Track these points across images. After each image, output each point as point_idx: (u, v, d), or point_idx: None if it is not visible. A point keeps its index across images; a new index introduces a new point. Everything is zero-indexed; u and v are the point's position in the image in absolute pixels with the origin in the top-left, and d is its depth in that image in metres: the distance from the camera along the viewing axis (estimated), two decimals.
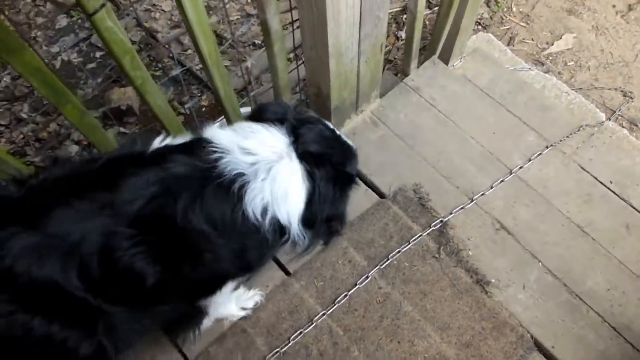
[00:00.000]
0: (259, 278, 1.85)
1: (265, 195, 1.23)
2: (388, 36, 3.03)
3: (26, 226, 1.07)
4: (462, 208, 1.98)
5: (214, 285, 1.38)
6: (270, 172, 1.24)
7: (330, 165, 1.35)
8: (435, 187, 2.03)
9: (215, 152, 1.22)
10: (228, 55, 3.06)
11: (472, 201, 1.99)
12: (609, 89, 2.82)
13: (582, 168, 2.13)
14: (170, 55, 3.02)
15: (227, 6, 3.21)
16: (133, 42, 3.07)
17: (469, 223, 1.96)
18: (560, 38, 3.00)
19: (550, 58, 2.96)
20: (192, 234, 1.18)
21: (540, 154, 2.10)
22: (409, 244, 1.91)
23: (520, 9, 3.14)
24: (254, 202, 1.22)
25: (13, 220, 1.08)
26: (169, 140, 1.30)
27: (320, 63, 1.75)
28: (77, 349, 1.15)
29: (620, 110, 2.73)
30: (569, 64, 2.93)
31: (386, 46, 2.99)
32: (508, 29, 3.08)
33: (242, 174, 1.21)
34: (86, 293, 1.10)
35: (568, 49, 2.98)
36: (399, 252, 1.90)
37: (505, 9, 3.14)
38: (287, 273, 1.90)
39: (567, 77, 2.89)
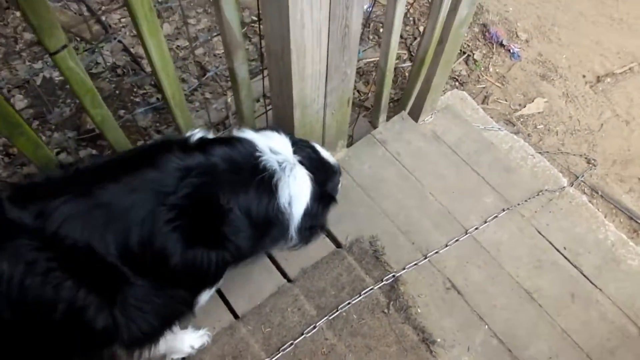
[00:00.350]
0: (206, 318, 1.84)
1: (291, 190, 1.46)
2: (367, 84, 3.11)
3: (76, 196, 1.16)
4: (415, 264, 2.00)
5: (221, 272, 1.50)
6: (292, 172, 1.47)
7: (317, 184, 1.56)
8: (392, 241, 2.06)
9: (256, 151, 1.43)
10: (210, 88, 3.11)
11: (425, 258, 2.02)
12: (575, 155, 2.91)
13: (539, 232, 2.18)
14: (152, 82, 3.06)
15: (215, 39, 3.28)
16: (117, 66, 3.11)
17: (421, 280, 1.98)
18: (532, 101, 3.11)
19: (522, 120, 3.05)
20: (230, 219, 1.34)
21: (496, 216, 2.15)
22: (360, 296, 1.92)
23: (497, 70, 3.25)
24: (284, 194, 1.44)
25: (63, 191, 1.17)
26: (202, 134, 1.45)
27: (285, 112, 1.79)
28: (94, 321, 1.20)
29: (583, 176, 2.81)
30: (538, 127, 3.03)
31: (365, 93, 3.07)
32: (484, 87, 3.18)
33: (276, 171, 1.43)
34: (117, 259, 1.19)
35: (539, 113, 3.08)
36: (349, 303, 1.91)
37: (482, 68, 3.25)
38: (236, 316, 1.90)
39: (536, 139, 2.98)
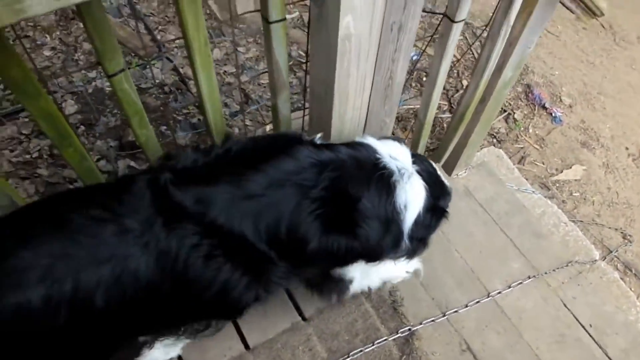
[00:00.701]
0: (218, 345, 1.84)
1: (407, 195, 1.53)
2: (405, 130, 3.13)
3: (227, 187, 1.30)
4: (432, 321, 1.96)
5: (347, 259, 1.59)
6: (410, 179, 1.55)
7: (431, 196, 1.62)
8: (411, 293, 2.03)
9: (376, 153, 1.54)
10: (251, 115, 3.18)
11: (444, 315, 1.98)
12: (610, 228, 2.82)
13: (564, 305, 2.11)
14: (196, 103, 3.16)
15: (261, 69, 3.38)
16: (165, 84, 3.23)
17: (437, 337, 1.93)
18: (570, 168, 3.05)
19: (557, 185, 2.99)
20: (359, 207, 1.44)
21: (521, 282, 2.09)
22: (373, 345, 1.89)
23: (537, 132, 3.22)
24: (400, 195, 1.52)
25: (214, 179, 1.31)
26: (322, 141, 1.57)
27: None
28: (241, 297, 1.38)
29: (617, 251, 2.71)
30: (574, 194, 2.96)
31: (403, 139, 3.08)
32: (521, 147, 3.15)
33: (394, 173, 1.52)
34: (266, 246, 1.34)
35: (576, 180, 3.02)
36: (361, 351, 1.87)
37: (522, 129, 3.22)
38: (247, 347, 1.89)
39: (571, 207, 2.91)
